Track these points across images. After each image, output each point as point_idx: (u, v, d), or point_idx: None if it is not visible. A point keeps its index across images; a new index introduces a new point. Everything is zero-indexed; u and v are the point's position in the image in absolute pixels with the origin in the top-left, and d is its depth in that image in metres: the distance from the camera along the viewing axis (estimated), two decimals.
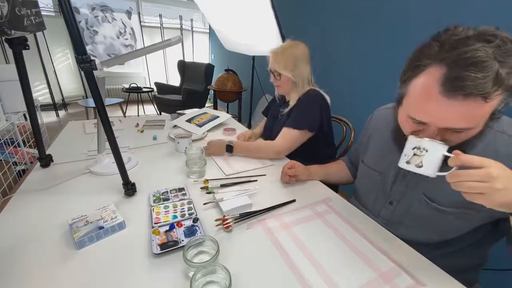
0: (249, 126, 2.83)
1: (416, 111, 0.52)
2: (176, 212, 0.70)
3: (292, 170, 0.88)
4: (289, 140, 1.09)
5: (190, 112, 1.54)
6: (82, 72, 0.66)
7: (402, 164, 0.53)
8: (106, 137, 0.74)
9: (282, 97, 1.28)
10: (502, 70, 0.43)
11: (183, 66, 4.02)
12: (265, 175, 0.96)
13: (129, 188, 0.78)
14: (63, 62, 4.25)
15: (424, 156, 0.49)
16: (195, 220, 0.67)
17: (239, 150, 1.10)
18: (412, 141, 0.52)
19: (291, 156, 1.12)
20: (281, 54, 1.10)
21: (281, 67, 1.10)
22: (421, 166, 0.50)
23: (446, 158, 0.47)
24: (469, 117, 0.47)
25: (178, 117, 1.56)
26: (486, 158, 0.43)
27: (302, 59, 1.11)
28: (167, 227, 0.64)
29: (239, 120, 2.14)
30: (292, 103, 1.15)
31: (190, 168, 0.90)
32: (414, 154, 0.51)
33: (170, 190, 0.80)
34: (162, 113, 3.66)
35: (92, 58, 0.66)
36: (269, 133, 1.30)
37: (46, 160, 0.92)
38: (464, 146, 0.53)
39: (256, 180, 0.92)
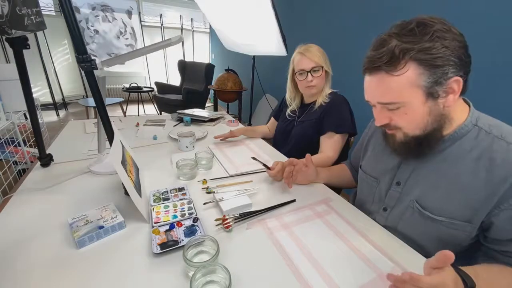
0: (250, 126, 2.82)
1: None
2: (176, 212, 0.70)
3: (291, 168, 0.85)
4: (336, 148, 1.10)
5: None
6: (83, 72, 0.67)
7: None
8: (106, 137, 0.74)
9: (301, 102, 1.26)
10: (401, 46, 0.49)
11: (183, 66, 4.02)
12: (264, 171, 0.97)
13: None
14: (63, 61, 4.25)
15: None
16: (195, 219, 0.67)
17: None
18: None
19: (300, 154, 1.10)
20: (316, 49, 1.10)
21: (322, 60, 1.10)
22: None
23: None
24: (387, 90, 0.54)
25: (178, 116, 1.56)
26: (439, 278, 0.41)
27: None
28: (167, 227, 0.64)
29: (240, 120, 2.14)
30: (318, 103, 1.14)
31: (181, 169, 0.89)
32: None
33: (170, 190, 0.80)
34: (162, 112, 3.67)
35: (93, 57, 0.66)
36: (286, 137, 1.27)
37: (46, 160, 0.92)
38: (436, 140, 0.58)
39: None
